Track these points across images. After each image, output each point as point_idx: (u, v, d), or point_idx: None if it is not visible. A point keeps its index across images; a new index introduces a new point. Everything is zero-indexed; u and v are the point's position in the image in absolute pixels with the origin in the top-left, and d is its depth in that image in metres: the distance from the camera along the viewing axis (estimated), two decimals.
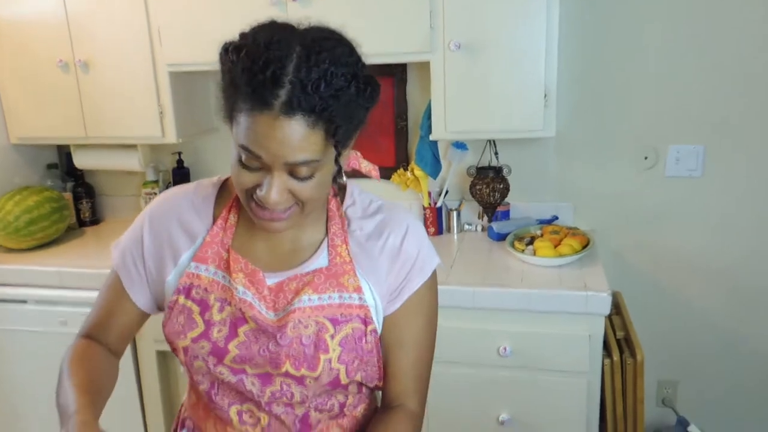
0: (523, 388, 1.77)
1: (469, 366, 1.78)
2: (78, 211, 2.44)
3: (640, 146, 2.06)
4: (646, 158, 2.07)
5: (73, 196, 2.43)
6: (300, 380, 0.89)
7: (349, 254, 0.92)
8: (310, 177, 0.80)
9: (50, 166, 2.45)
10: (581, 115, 2.08)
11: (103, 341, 0.97)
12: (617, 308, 2.01)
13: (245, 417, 0.94)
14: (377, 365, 0.94)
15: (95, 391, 0.87)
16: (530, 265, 1.87)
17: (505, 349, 1.73)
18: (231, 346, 0.89)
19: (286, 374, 0.89)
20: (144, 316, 0.98)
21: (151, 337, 2.02)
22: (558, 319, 1.70)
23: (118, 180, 2.52)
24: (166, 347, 2.06)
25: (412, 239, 0.94)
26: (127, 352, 1.92)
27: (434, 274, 0.97)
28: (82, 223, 2.46)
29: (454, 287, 1.75)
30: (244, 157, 0.79)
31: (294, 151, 0.76)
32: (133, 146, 2.25)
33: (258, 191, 0.81)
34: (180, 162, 2.38)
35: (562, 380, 1.73)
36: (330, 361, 0.88)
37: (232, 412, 0.94)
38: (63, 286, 2.02)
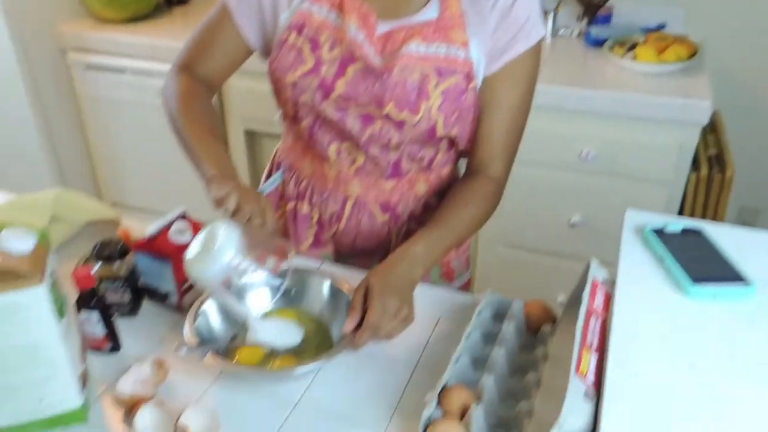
0: (599, 194, 1.77)
1: (548, 168, 1.78)
2: None
3: None
4: None
5: None
6: (399, 124, 0.92)
7: (460, 8, 0.90)
8: None
9: None
10: None
11: (201, 72, 0.98)
12: (713, 127, 1.91)
13: (343, 155, 0.99)
14: (472, 125, 0.95)
15: (215, 144, 0.89)
16: (629, 71, 1.76)
17: (588, 153, 1.71)
18: (338, 83, 0.91)
19: (387, 117, 0.91)
20: (247, 54, 1.00)
21: (239, 116, 2.09)
22: (650, 126, 1.64)
23: None
24: (255, 126, 2.17)
25: (523, 2, 0.90)
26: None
27: (539, 44, 0.93)
28: (169, 2, 2.46)
29: (543, 86, 1.68)
30: None
31: None
32: None
33: None
34: None
35: (642, 189, 1.71)
36: (430, 109, 0.90)
37: (332, 149, 0.99)
38: (156, 58, 2.08)
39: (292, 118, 1.00)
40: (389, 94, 0.90)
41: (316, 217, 1.07)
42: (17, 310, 0.63)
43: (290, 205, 1.09)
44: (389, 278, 0.85)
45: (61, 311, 0.69)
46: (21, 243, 0.64)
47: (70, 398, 0.72)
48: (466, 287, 1.18)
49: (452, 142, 0.99)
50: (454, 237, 0.93)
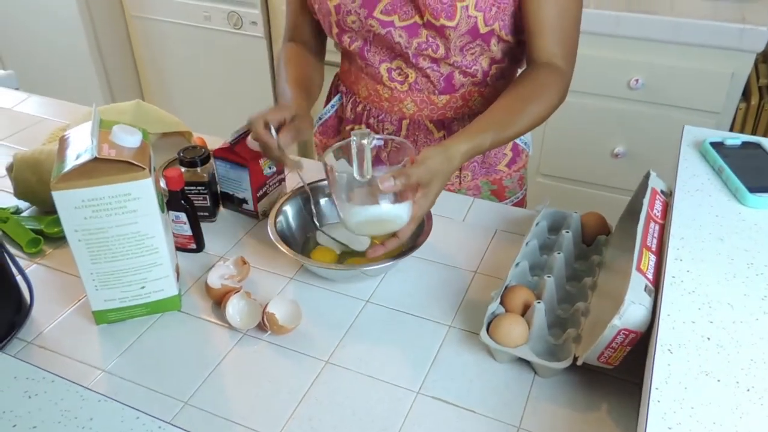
0: (645, 124, 1.77)
1: (594, 96, 1.78)
2: None
3: None
4: None
5: None
6: (441, 31, 0.94)
7: None
8: None
9: None
10: None
11: (301, 38, 1.09)
12: (766, 57, 1.88)
13: (394, 74, 1.03)
14: (513, 16, 0.95)
15: (304, 87, 1.00)
16: None
17: (636, 81, 1.70)
18: None
19: (429, 25, 0.94)
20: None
21: None
22: (703, 53, 1.62)
23: None
24: None
25: None
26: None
27: None
28: None
29: (594, 11, 1.67)
30: None
31: None
32: None
33: None
34: None
35: (689, 119, 1.71)
36: (467, 8, 0.91)
37: (383, 68, 1.03)
38: None
39: (344, 44, 1.03)
40: (421, 2, 0.92)
41: None
42: (129, 199, 0.70)
43: (348, 128, 1.14)
44: (443, 185, 0.83)
45: (162, 206, 0.76)
46: (131, 138, 0.70)
47: (168, 286, 0.80)
48: (518, 206, 1.21)
49: (505, 43, 0.99)
50: (507, 133, 0.91)
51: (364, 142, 0.79)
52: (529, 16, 0.94)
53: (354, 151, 0.80)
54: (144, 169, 0.69)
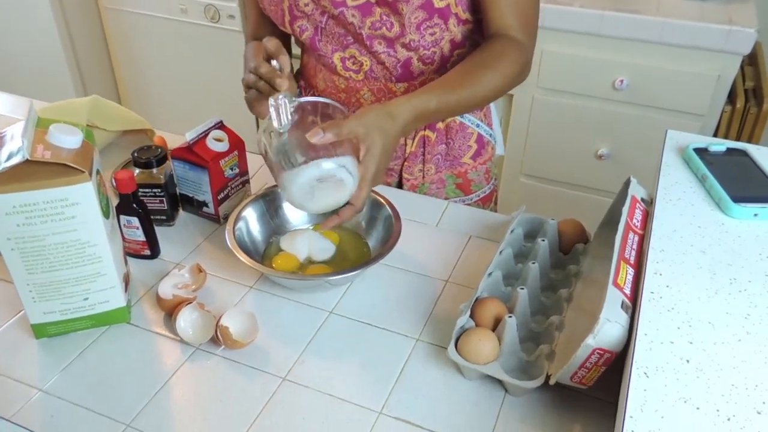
0: (629, 125, 1.74)
1: (578, 96, 1.75)
2: None
3: None
4: None
5: None
6: (393, 6, 0.90)
7: None
8: None
9: None
10: None
11: (263, 36, 1.03)
12: (752, 59, 1.85)
13: (348, 63, 0.99)
14: None
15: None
16: None
17: (621, 81, 1.66)
18: None
19: (382, 2, 0.90)
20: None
21: None
22: (689, 55, 1.59)
23: None
24: None
25: None
26: None
27: None
28: None
29: (577, 9, 1.63)
30: None
31: None
32: None
33: None
34: None
35: (674, 121, 1.68)
36: None
37: (336, 58, 0.98)
38: None
39: (296, 33, 0.99)
40: None
41: None
42: (66, 205, 0.64)
43: (309, 119, 1.10)
44: (388, 146, 0.79)
45: (106, 212, 0.70)
46: (69, 138, 0.65)
47: (114, 297, 0.75)
48: (486, 201, 1.16)
49: (465, 23, 0.96)
50: (455, 96, 0.87)
51: (280, 96, 0.76)
52: None
53: (272, 111, 0.76)
54: (83, 172, 0.64)
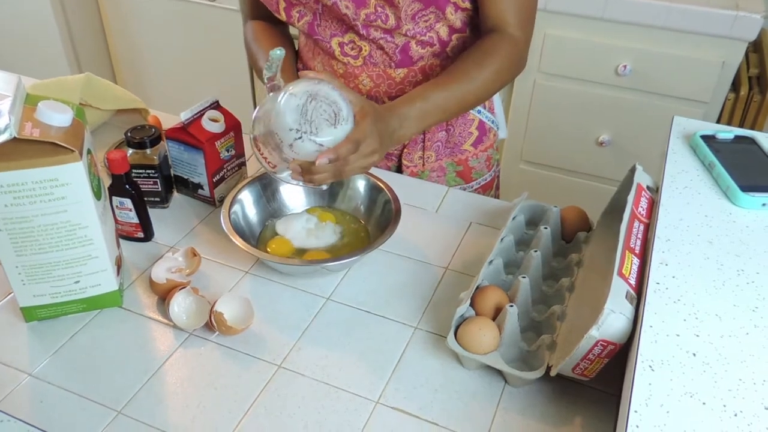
0: (632, 112, 1.72)
1: (580, 82, 1.72)
2: None
3: None
4: None
5: None
6: None
7: None
8: None
9: None
10: None
11: (266, 17, 1.03)
12: (756, 46, 1.82)
13: (347, 49, 0.96)
14: None
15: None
16: None
17: (624, 67, 1.64)
18: None
19: None
20: None
21: None
22: (694, 40, 1.56)
23: None
24: None
25: None
26: None
27: None
28: None
29: None
30: None
31: None
32: None
33: None
34: None
35: (676, 108, 1.66)
36: None
37: (335, 43, 0.96)
38: None
39: (293, 20, 0.97)
40: None
41: None
42: (56, 185, 0.62)
43: None
44: (378, 125, 0.78)
45: (97, 193, 0.68)
46: (59, 116, 0.62)
47: (106, 281, 0.73)
48: (487, 189, 1.15)
49: (462, 12, 0.94)
50: (460, 99, 0.88)
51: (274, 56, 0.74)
52: None
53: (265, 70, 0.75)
54: (73, 151, 0.62)
